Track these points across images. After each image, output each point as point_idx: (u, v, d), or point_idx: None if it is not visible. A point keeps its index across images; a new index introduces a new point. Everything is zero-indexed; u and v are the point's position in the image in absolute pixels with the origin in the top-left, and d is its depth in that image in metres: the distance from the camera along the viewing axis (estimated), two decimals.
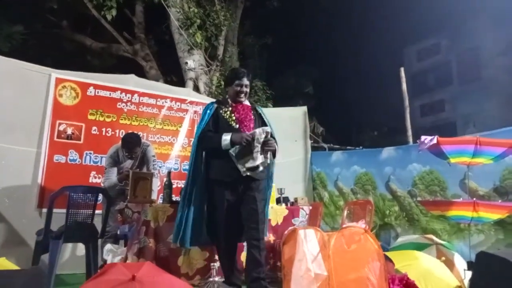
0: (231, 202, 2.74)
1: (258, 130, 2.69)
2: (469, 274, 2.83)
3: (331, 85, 20.82)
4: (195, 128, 5.28)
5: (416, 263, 2.52)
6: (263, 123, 2.97)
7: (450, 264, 3.05)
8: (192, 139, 5.29)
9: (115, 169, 3.78)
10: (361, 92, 23.84)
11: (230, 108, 2.90)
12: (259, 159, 2.68)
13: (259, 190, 2.78)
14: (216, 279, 1.36)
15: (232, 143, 2.69)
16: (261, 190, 2.83)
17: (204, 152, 2.91)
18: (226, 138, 2.71)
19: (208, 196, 2.85)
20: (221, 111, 2.89)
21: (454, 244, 4.14)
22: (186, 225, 2.79)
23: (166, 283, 1.58)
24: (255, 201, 2.71)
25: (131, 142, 3.72)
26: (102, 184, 3.98)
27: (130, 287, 1.46)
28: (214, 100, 6.24)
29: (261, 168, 2.73)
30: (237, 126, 2.83)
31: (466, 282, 2.73)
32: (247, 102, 3.01)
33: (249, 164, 2.67)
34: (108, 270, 1.64)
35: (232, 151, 2.69)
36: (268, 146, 2.70)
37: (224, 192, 2.74)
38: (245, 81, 2.90)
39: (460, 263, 3.25)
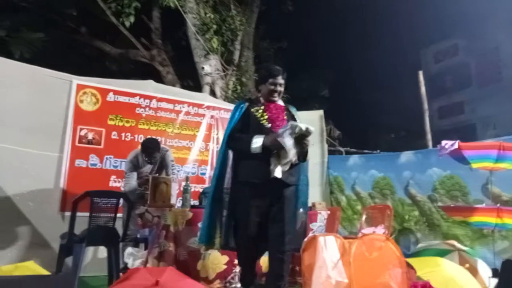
0: (259, 207, 2.57)
1: (293, 123, 2.53)
2: (494, 281, 2.76)
3: (347, 88, 20.64)
4: (211, 131, 5.35)
5: (438, 270, 2.48)
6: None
7: (473, 271, 2.98)
8: (209, 143, 5.37)
9: (135, 174, 3.84)
10: (378, 95, 23.55)
11: (262, 107, 2.73)
12: (291, 154, 2.49)
13: (289, 198, 2.63)
14: (238, 285, 1.37)
15: (264, 147, 2.50)
16: (291, 198, 2.67)
17: (232, 153, 2.76)
18: (257, 141, 2.52)
19: (236, 199, 2.69)
20: (252, 110, 2.73)
21: (477, 250, 4.04)
22: (220, 228, 2.70)
23: (189, 287, 1.60)
24: (282, 210, 2.57)
25: (151, 148, 3.78)
26: (122, 189, 4.05)
27: None
28: (231, 104, 6.26)
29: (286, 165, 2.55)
30: (269, 125, 2.67)
31: None
32: (280, 102, 2.85)
33: (283, 161, 2.51)
34: (132, 275, 1.66)
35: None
36: (304, 142, 2.58)
37: (252, 195, 2.57)
38: (280, 80, 2.74)
39: (484, 270, 3.17)
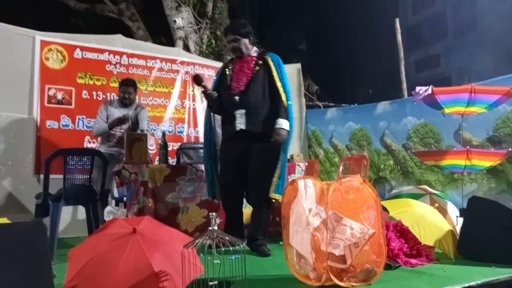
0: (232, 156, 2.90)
1: None
2: (461, 220, 2.92)
3: (324, 42, 20.36)
4: (186, 88, 5.22)
5: (410, 210, 2.58)
6: (269, 72, 2.87)
7: (443, 211, 3.13)
8: (185, 100, 5.25)
9: (105, 114, 3.75)
10: (356, 50, 23.41)
11: (231, 66, 2.96)
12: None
13: (262, 148, 2.80)
14: (216, 227, 1.39)
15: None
16: (266, 148, 2.79)
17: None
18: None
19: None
20: (226, 70, 2.97)
21: (447, 194, 4.23)
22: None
23: (166, 234, 1.61)
24: (254, 159, 2.81)
25: (126, 83, 3.80)
26: (92, 133, 4.06)
27: (132, 239, 1.49)
28: (206, 59, 6.08)
29: None
30: (230, 83, 2.88)
31: (458, 228, 2.81)
32: (254, 54, 2.95)
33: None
34: (109, 225, 1.66)
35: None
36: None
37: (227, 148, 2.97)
38: (230, 37, 2.88)
39: (453, 211, 3.33)
